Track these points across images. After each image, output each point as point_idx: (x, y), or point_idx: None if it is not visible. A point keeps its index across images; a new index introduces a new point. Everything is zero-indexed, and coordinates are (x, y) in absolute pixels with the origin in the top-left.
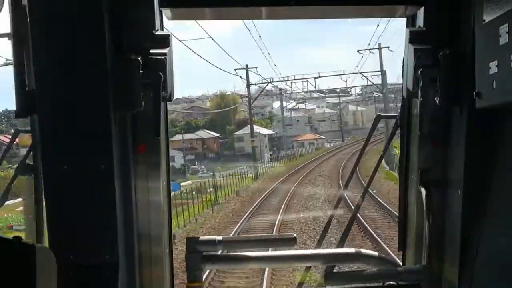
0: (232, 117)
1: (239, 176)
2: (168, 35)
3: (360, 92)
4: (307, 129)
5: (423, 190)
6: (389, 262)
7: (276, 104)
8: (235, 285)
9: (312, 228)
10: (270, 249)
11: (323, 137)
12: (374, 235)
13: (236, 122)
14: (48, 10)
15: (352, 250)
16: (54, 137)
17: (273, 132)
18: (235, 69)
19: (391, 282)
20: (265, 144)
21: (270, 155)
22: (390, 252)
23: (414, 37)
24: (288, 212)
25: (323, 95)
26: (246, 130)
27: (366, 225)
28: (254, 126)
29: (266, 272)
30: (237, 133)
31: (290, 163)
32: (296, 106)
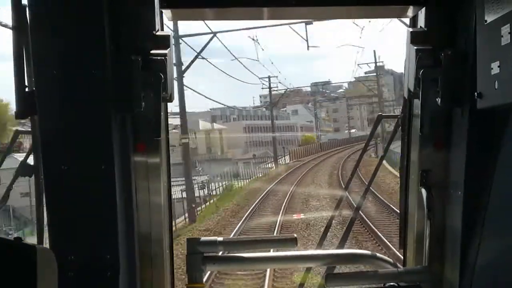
0: None
1: None
2: (168, 36)
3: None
4: None
5: (423, 191)
6: (389, 263)
7: None
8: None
9: None
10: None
11: None
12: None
13: None
14: (48, 11)
15: (353, 251)
16: (55, 138)
17: None
18: None
19: (392, 283)
20: None
21: None
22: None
23: (415, 38)
24: None
25: None
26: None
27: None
28: None
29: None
30: None
31: None
32: None
